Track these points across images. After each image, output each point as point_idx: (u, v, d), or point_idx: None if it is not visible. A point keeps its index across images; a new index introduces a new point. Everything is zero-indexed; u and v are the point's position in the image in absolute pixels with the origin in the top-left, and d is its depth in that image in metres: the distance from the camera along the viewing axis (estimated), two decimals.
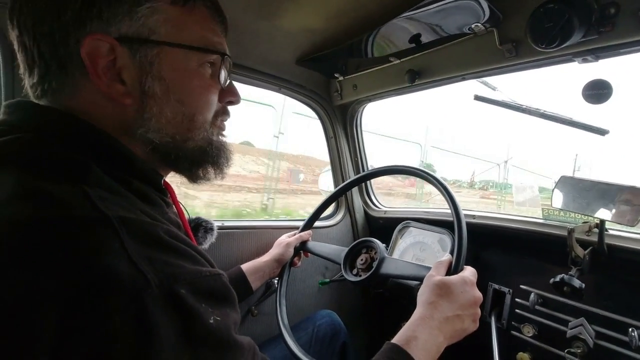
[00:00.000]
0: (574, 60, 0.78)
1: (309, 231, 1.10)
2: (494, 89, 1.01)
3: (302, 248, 1.08)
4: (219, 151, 0.53)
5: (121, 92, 0.43)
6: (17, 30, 0.42)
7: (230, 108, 0.57)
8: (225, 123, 0.56)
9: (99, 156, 0.41)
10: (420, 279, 0.71)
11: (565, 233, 0.83)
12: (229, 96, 0.54)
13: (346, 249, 0.94)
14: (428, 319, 0.60)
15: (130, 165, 0.44)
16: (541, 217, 0.99)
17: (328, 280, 1.21)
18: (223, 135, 0.55)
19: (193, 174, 0.53)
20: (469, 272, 0.67)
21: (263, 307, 1.14)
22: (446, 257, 0.71)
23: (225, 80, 0.53)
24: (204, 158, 0.52)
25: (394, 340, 0.57)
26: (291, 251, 1.05)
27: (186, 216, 0.61)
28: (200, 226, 0.76)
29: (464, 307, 0.62)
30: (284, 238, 1.09)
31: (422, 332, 0.58)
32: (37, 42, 0.41)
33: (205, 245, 0.76)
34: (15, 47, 0.44)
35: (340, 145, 1.44)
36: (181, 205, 0.58)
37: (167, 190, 0.53)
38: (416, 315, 0.61)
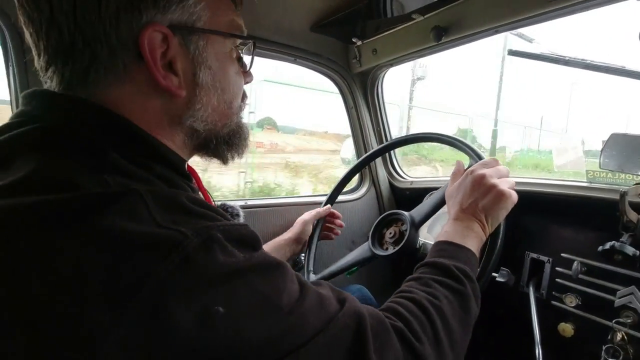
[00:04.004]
0: None
1: (327, 207, 1.07)
2: (530, 41, 0.91)
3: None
4: (245, 132, 0.54)
5: (176, 83, 0.43)
6: (49, 13, 0.37)
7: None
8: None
9: (119, 143, 0.39)
10: None
11: (612, 196, 0.75)
12: (247, 77, 0.54)
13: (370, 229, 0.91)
14: (452, 219, 0.66)
15: (151, 150, 0.42)
16: (585, 181, 0.91)
17: (355, 268, 1.18)
18: (241, 117, 0.55)
19: (226, 157, 0.54)
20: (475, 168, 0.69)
21: None
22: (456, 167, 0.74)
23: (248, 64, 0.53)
24: (235, 140, 0.53)
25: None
26: (309, 229, 1.04)
27: (212, 203, 0.60)
28: (225, 212, 0.75)
29: (472, 192, 0.65)
30: (304, 216, 1.07)
31: (451, 227, 0.64)
32: (81, 28, 0.37)
33: None
34: (40, 30, 0.38)
35: (361, 116, 1.38)
36: (207, 192, 0.58)
37: (191, 175, 0.51)
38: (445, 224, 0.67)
